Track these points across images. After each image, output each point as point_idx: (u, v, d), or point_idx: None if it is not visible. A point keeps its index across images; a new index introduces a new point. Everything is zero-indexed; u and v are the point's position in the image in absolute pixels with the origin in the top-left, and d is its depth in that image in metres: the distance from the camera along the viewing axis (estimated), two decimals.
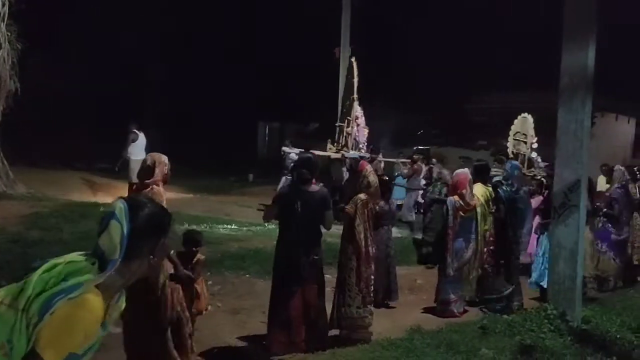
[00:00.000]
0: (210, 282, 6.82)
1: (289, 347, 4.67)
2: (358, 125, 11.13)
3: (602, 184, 9.45)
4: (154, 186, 3.92)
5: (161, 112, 18.68)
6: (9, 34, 7.11)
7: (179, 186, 13.04)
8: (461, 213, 6.28)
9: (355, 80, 11.20)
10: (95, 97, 16.43)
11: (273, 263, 4.94)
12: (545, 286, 6.31)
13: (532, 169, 9.65)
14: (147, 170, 3.96)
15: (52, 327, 1.52)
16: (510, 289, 6.35)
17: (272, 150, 20.21)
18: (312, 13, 18.26)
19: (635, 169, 8.84)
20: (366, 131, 11.44)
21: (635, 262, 8.04)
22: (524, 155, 10.24)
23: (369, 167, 5.29)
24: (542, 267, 6.56)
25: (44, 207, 9.64)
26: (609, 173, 8.66)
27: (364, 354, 4.51)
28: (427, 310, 6.40)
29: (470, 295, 6.61)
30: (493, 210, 6.47)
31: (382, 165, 11.78)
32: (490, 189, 6.69)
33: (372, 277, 5.17)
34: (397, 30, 20.19)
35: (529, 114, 10.15)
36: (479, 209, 6.54)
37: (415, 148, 17.18)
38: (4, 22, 6.92)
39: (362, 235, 5.02)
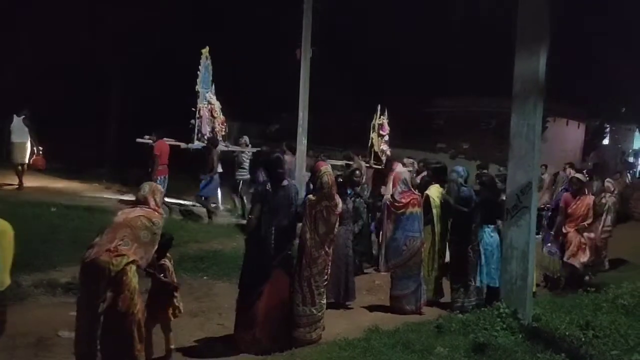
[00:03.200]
0: None
1: (254, 345, 4.68)
2: (200, 117, 11.23)
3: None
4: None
5: (119, 110, 18.24)
6: None
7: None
8: (393, 209, 6.44)
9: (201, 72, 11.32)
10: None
11: (243, 259, 4.95)
12: (492, 285, 6.52)
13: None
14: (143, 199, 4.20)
15: None
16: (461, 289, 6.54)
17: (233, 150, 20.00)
18: (272, 13, 18.19)
19: (584, 172, 9.21)
20: (218, 122, 11.59)
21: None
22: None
23: (324, 167, 5.28)
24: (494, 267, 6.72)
25: None
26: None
27: (321, 355, 4.52)
28: (385, 310, 6.48)
29: (428, 295, 6.75)
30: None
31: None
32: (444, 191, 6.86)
33: (324, 277, 5.17)
34: (358, 32, 20.31)
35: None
36: (434, 210, 6.70)
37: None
38: None
39: (307, 235, 5.05)
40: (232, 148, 11.92)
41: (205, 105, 11.33)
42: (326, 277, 5.19)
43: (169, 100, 15.97)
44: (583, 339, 5.00)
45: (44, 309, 5.39)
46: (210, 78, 11.73)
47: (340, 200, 5.35)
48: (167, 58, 17.62)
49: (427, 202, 6.76)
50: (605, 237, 8.88)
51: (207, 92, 11.50)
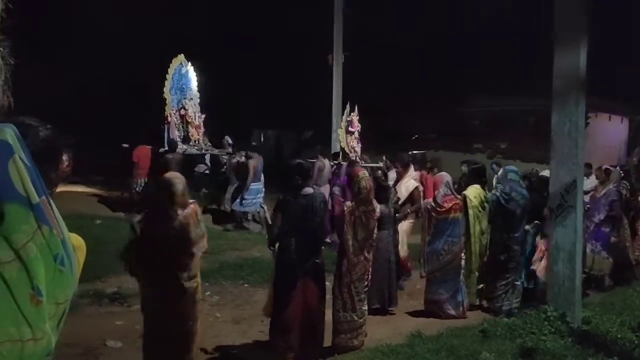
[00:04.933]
0: (208, 293, 6.79)
1: (288, 352, 4.66)
2: (168, 122, 11.40)
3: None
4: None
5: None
6: (2, 49, 7.07)
7: None
8: (434, 214, 6.32)
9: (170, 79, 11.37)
10: (89, 109, 16.38)
11: (274, 268, 4.92)
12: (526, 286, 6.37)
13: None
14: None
15: None
16: (503, 291, 6.37)
17: (268, 158, 20.18)
18: (305, 19, 18.31)
19: (625, 169, 8.88)
20: (192, 127, 11.76)
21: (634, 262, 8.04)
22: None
23: (362, 172, 5.25)
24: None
25: None
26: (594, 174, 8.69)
27: None
28: (427, 315, 6.37)
29: (470, 299, 6.60)
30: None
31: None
32: (485, 190, 6.71)
33: (364, 283, 5.12)
34: (390, 35, 20.22)
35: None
36: (471, 211, 6.55)
37: (410, 152, 17.24)
38: None
39: (348, 242, 5.00)
40: (210, 152, 12.03)
41: (174, 111, 11.51)
42: (366, 283, 5.15)
43: None
44: (636, 342, 4.82)
45: (90, 319, 5.53)
46: (191, 85, 11.98)
47: (378, 204, 5.30)
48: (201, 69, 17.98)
49: (464, 203, 6.62)
50: None
51: (183, 99, 11.70)
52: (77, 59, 16.76)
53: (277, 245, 4.84)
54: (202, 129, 12.13)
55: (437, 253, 6.28)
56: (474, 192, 6.68)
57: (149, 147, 10.82)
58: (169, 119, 11.30)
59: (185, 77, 11.92)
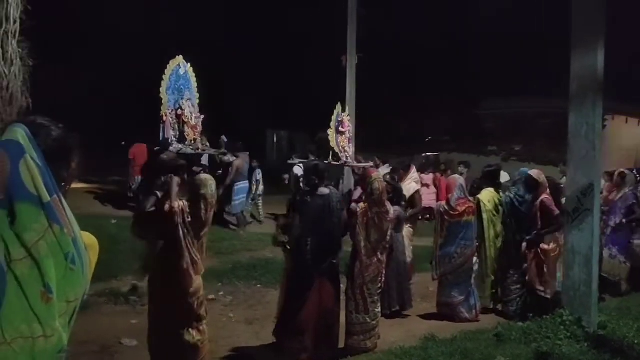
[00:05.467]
0: (221, 293, 6.83)
1: (302, 353, 4.67)
2: (164, 122, 11.42)
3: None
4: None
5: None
6: (21, 50, 7.17)
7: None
8: (447, 218, 6.27)
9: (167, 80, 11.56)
10: (105, 110, 16.57)
11: (288, 268, 4.92)
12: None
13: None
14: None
15: None
16: (518, 294, 6.30)
17: (281, 159, 20.22)
18: (319, 20, 18.34)
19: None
20: (187, 127, 11.85)
21: None
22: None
23: (374, 174, 5.22)
24: None
25: None
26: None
27: None
28: (440, 318, 6.34)
29: (484, 302, 6.56)
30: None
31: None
32: (499, 194, 6.65)
33: (377, 285, 5.11)
34: (404, 36, 20.16)
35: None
36: (485, 215, 6.50)
37: (424, 154, 17.18)
38: (15, 38, 6.98)
39: (360, 243, 4.99)
40: (206, 152, 12.11)
41: (170, 111, 11.60)
42: (380, 285, 5.13)
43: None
44: None
45: (106, 318, 5.58)
46: (190, 86, 12.04)
47: (391, 206, 5.28)
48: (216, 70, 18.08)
49: (478, 207, 6.57)
50: None
51: (180, 99, 11.79)
52: (92, 59, 16.97)
53: (288, 244, 4.87)
54: (199, 129, 12.28)
55: (450, 256, 6.25)
56: (488, 196, 6.64)
57: (145, 144, 11.07)
58: (164, 118, 11.50)
59: (184, 78, 12.07)
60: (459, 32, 20.37)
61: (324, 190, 4.81)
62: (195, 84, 12.75)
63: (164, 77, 12.22)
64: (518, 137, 20.18)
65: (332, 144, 12.03)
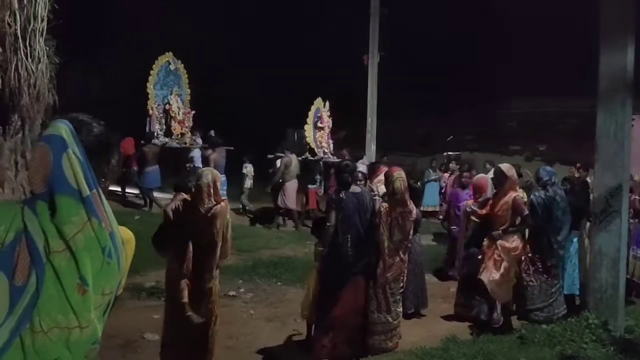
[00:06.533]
0: (242, 290, 6.87)
1: (330, 350, 4.69)
2: (150, 116, 12.01)
3: None
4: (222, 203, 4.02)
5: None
6: (47, 48, 7.30)
7: None
8: (473, 218, 6.14)
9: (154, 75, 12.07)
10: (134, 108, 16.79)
11: (322, 265, 4.92)
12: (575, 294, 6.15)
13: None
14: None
15: None
16: (553, 298, 6.17)
17: (300, 156, 20.26)
18: (341, 19, 18.30)
19: None
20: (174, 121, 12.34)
21: None
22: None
23: (396, 173, 5.11)
24: (573, 274, 6.33)
25: None
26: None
27: None
28: (461, 319, 6.27)
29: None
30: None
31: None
32: (524, 194, 6.54)
33: (399, 284, 5.08)
34: (426, 35, 19.99)
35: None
36: None
37: (445, 154, 17.03)
38: (42, 37, 7.11)
39: (384, 243, 4.95)
40: (194, 146, 12.35)
41: (157, 106, 12.20)
42: (402, 284, 5.10)
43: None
44: None
45: (130, 312, 5.65)
46: (180, 82, 12.76)
47: (414, 206, 5.23)
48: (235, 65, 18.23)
49: None
50: None
51: (169, 94, 12.40)
52: (116, 57, 17.21)
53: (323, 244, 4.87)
54: (189, 124, 12.78)
55: (473, 257, 6.15)
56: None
57: (132, 138, 11.44)
58: (150, 112, 12.01)
59: (175, 74, 12.72)
60: (482, 30, 20.11)
61: (356, 188, 4.89)
62: (187, 81, 13.37)
63: (151, 72, 12.85)
64: (542, 137, 19.84)
65: (309, 139, 12.09)
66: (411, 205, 5.13)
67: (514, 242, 5.71)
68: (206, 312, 3.98)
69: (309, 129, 12.10)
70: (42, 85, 7.15)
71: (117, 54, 17.24)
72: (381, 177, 7.07)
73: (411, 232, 5.15)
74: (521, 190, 6.76)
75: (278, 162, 11.08)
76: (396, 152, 17.16)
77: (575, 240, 6.30)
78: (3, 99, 6.85)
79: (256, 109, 18.83)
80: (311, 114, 12.21)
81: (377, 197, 5.30)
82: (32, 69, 6.98)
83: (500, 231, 5.65)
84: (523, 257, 6.14)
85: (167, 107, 12.35)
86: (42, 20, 7.07)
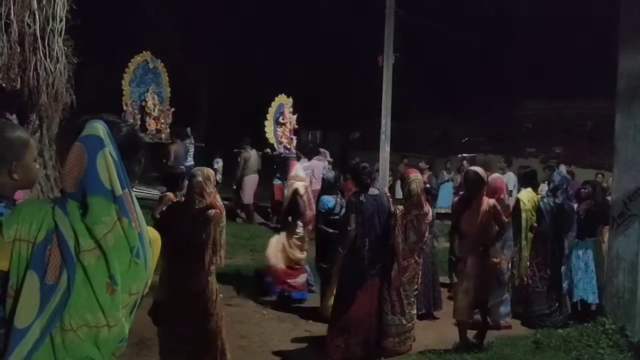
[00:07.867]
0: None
1: (344, 351, 4.69)
2: (124, 112, 12.46)
3: None
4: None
5: (208, 121, 19.17)
6: (65, 48, 7.38)
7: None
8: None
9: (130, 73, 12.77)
10: None
11: (342, 268, 4.92)
12: (589, 301, 6.05)
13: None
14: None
15: None
16: (557, 304, 6.10)
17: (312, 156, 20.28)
18: (354, 20, 18.27)
19: None
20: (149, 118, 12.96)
21: None
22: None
23: (412, 175, 5.06)
24: (587, 281, 6.22)
25: None
26: None
27: None
28: (474, 323, 6.20)
29: (514, 308, 6.36)
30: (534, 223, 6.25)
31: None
32: (538, 196, 6.46)
33: (414, 286, 5.04)
34: (441, 36, 19.88)
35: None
36: (524, 214, 6.30)
37: (460, 155, 16.91)
38: (61, 37, 7.19)
39: (399, 245, 4.90)
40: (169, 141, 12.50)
41: (131, 102, 12.74)
42: (416, 286, 5.06)
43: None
44: None
45: (144, 310, 5.66)
46: (159, 80, 13.33)
47: (430, 208, 5.19)
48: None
49: (516, 207, 6.37)
50: None
51: (145, 92, 12.97)
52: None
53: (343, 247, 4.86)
54: (167, 121, 13.27)
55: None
56: (527, 195, 6.45)
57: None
58: (125, 108, 12.53)
59: (153, 72, 13.24)
60: (498, 31, 19.96)
61: (374, 190, 4.88)
62: (167, 79, 13.86)
63: (126, 70, 13.29)
64: (558, 139, 19.63)
65: (269, 135, 12.12)
66: (427, 207, 5.09)
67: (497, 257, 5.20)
68: (205, 314, 3.99)
69: (269, 124, 12.40)
70: (60, 84, 7.22)
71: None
72: (294, 173, 6.80)
73: (426, 235, 5.11)
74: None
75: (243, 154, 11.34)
76: (410, 153, 17.07)
77: (589, 246, 6.21)
78: (22, 98, 6.93)
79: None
80: (272, 110, 12.47)
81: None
82: (50, 68, 7.05)
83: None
84: (529, 263, 6.08)
85: (142, 103, 12.89)
86: (61, 20, 7.14)
